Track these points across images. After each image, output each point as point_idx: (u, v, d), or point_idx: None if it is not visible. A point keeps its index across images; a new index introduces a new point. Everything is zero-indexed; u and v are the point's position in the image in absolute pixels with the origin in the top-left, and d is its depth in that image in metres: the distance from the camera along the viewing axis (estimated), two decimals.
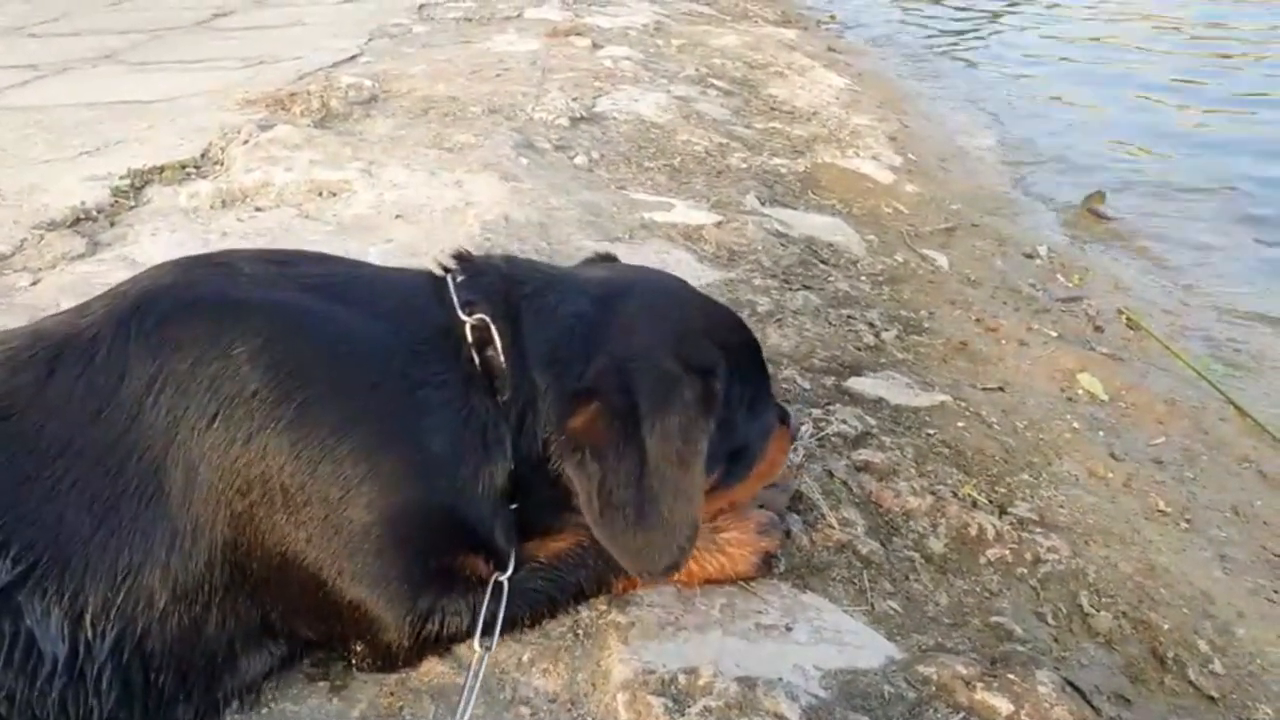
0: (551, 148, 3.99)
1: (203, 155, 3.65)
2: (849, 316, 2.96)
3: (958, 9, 8.24)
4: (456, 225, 3.11)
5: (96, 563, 1.27)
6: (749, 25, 7.03)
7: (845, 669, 1.65)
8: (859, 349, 2.79)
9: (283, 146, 3.59)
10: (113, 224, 3.11)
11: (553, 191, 3.44)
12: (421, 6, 7.30)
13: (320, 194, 3.33)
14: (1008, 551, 2.04)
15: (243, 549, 1.38)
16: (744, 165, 4.13)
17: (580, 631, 1.65)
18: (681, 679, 1.54)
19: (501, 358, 1.54)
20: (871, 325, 2.95)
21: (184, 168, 3.52)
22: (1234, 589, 2.12)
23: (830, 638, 1.73)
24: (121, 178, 3.36)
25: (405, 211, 3.21)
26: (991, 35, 7.40)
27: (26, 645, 1.24)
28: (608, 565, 1.67)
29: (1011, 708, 1.59)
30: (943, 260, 3.58)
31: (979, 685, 1.62)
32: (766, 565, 1.82)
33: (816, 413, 2.35)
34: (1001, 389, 2.76)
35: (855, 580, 1.89)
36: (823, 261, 3.33)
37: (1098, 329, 3.24)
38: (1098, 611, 1.95)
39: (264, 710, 1.53)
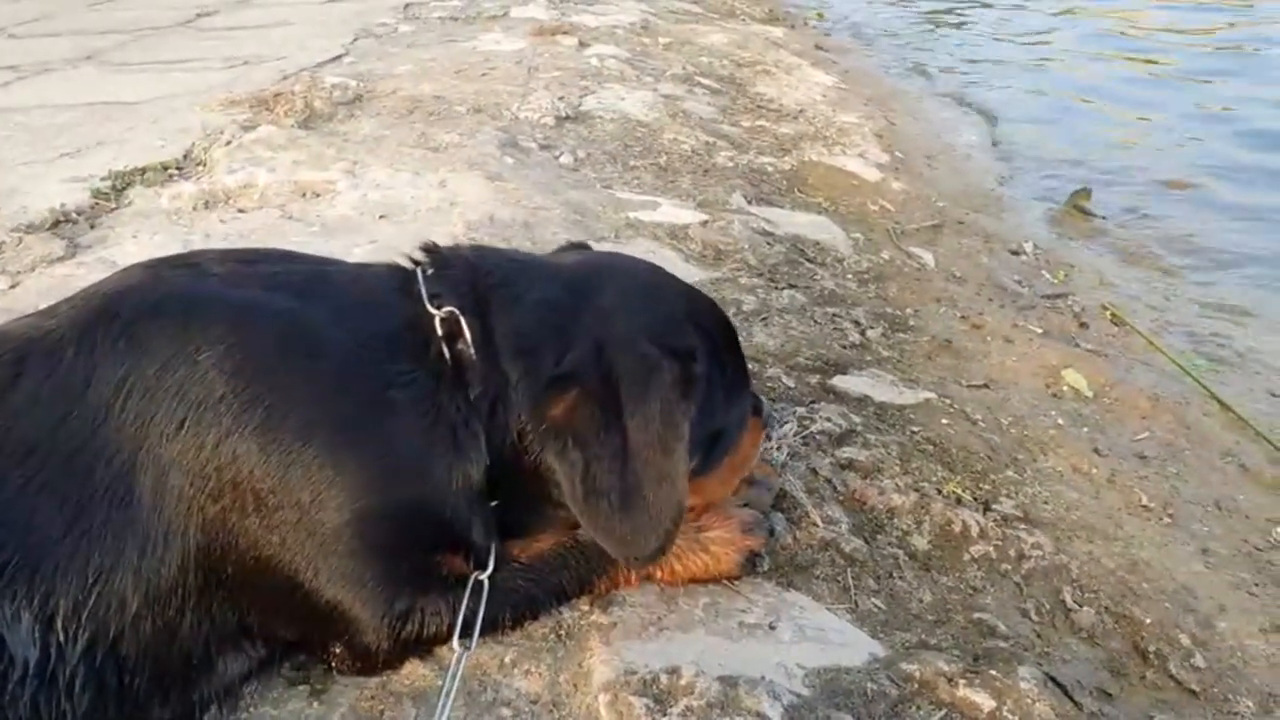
0: (537, 147, 3.99)
1: (185, 156, 3.64)
2: (834, 315, 2.96)
3: (948, 7, 8.26)
4: (441, 225, 3.10)
5: (66, 566, 1.26)
6: (736, 23, 7.03)
7: (828, 667, 1.65)
8: (844, 347, 2.79)
9: (266, 147, 3.57)
10: (93, 226, 3.09)
11: (538, 191, 3.43)
12: (407, 5, 7.28)
13: (304, 195, 3.32)
14: (991, 548, 2.04)
15: (216, 553, 1.37)
16: (730, 164, 4.13)
17: (562, 632, 1.65)
18: (663, 679, 1.53)
19: (471, 350, 1.53)
20: (857, 323, 2.95)
21: (166, 169, 3.50)
22: (1216, 583, 2.13)
23: (814, 636, 1.73)
24: (102, 179, 3.34)
25: (389, 212, 3.20)
26: (982, 33, 7.41)
27: None
28: (590, 566, 1.67)
29: (993, 704, 1.59)
30: (928, 258, 3.58)
31: (961, 682, 1.62)
32: (750, 564, 1.82)
33: (801, 411, 2.35)
34: (986, 386, 2.76)
35: (839, 578, 1.89)
36: (809, 260, 3.33)
37: (1082, 325, 3.25)
38: (1080, 607, 1.96)
39: (243, 715, 1.52)
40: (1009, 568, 2.01)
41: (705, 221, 3.42)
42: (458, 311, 1.53)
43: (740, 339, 1.87)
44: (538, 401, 1.52)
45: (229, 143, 3.62)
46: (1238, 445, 2.70)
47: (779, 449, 2.21)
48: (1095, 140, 5.19)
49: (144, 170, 3.45)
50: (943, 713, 1.59)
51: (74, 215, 3.13)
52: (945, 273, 3.48)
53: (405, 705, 1.53)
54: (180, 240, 2.97)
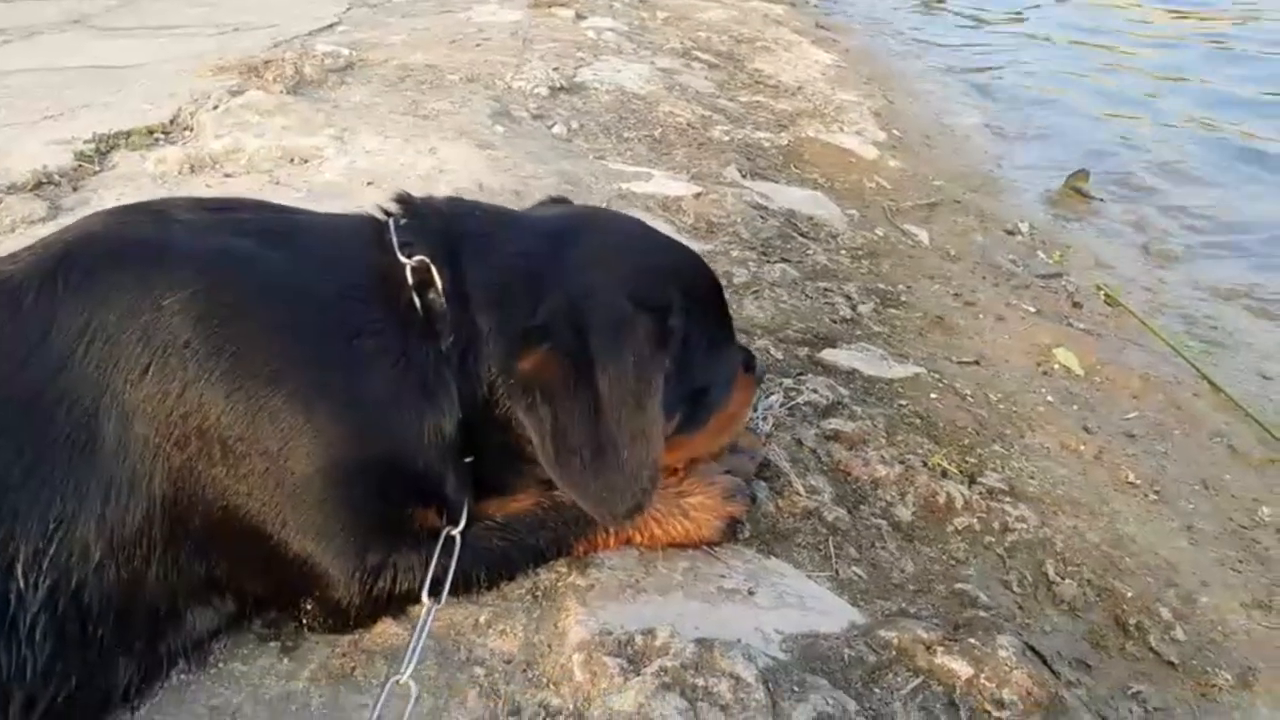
0: (529, 116, 3.95)
1: (172, 121, 3.59)
2: (826, 289, 2.94)
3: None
4: (429, 191, 3.06)
5: (27, 512, 1.24)
6: (736, 0, 6.97)
7: (806, 633, 1.63)
8: (835, 321, 2.77)
9: (254, 113, 3.53)
10: (75, 189, 3.05)
11: (529, 160, 3.40)
12: None
13: (291, 160, 3.28)
14: (976, 520, 2.02)
15: (183, 503, 1.35)
16: (726, 138, 4.09)
17: (539, 593, 1.63)
18: (638, 640, 1.52)
19: (442, 300, 1.50)
20: (849, 298, 2.93)
21: (152, 133, 3.46)
22: (1199, 559, 2.12)
23: (793, 602, 1.71)
24: (86, 142, 3.30)
25: (377, 178, 3.17)
26: (985, 17, 7.36)
27: None
28: (568, 527, 1.65)
29: (971, 671, 1.58)
30: (923, 235, 3.56)
31: (939, 649, 1.60)
32: (731, 531, 1.80)
33: (788, 382, 2.33)
34: (977, 363, 2.74)
35: (820, 546, 1.87)
36: (802, 235, 3.30)
37: (1076, 305, 3.23)
38: (1063, 580, 1.95)
39: (212, 670, 1.50)
40: (992, 540, 2.00)
41: (699, 194, 3.39)
42: (429, 261, 1.50)
43: (730, 308, 1.84)
44: (509, 355, 1.49)
45: (216, 108, 3.58)
46: (1227, 426, 2.69)
47: (765, 419, 2.19)
48: (1096, 124, 5.15)
49: (129, 134, 3.41)
50: (919, 679, 1.57)
51: (56, 177, 3.09)
52: (940, 250, 3.45)
53: (377, 662, 1.52)
54: None
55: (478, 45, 5.03)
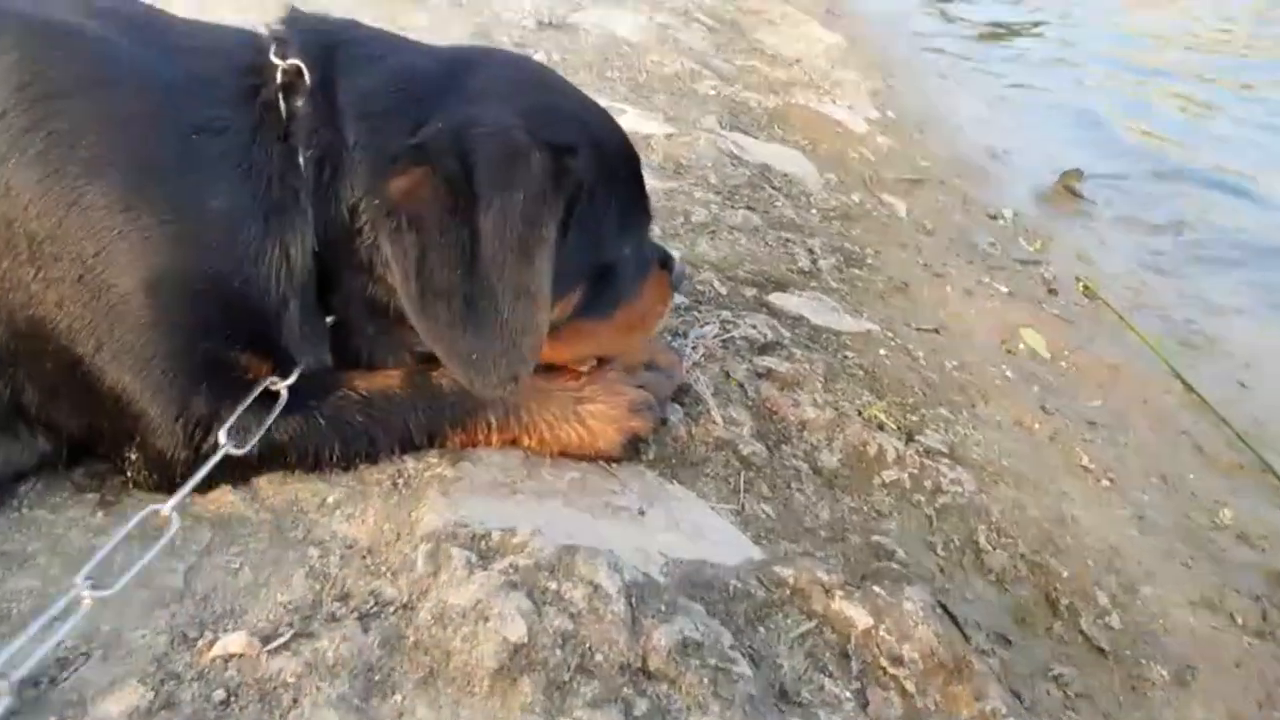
0: (510, 44, 3.76)
1: None
2: (787, 239, 2.76)
3: (976, 9, 8.03)
4: None
5: None
6: None
7: (693, 560, 1.46)
8: (791, 270, 2.59)
9: None
10: None
11: None
12: None
13: None
14: (906, 476, 1.85)
15: None
16: (712, 92, 3.91)
17: (400, 480, 1.45)
18: (495, 536, 1.34)
19: (309, 104, 1.31)
20: (810, 252, 2.75)
21: None
22: (1147, 549, 1.95)
23: (687, 530, 1.54)
24: None
25: None
26: (1004, 27, 7.21)
27: None
28: (442, 413, 1.47)
29: (870, 621, 1.41)
30: (901, 207, 3.38)
31: (838, 594, 1.43)
32: (633, 448, 1.62)
33: (726, 315, 2.15)
34: (936, 331, 2.57)
35: (730, 480, 1.70)
36: (773, 188, 3.12)
37: (1051, 292, 3.06)
38: (994, 549, 1.78)
39: (13, 514, 1.33)
40: (922, 499, 1.82)
41: (670, 135, 3.21)
42: (302, 65, 1.32)
43: (646, 187, 1.64)
44: (376, 173, 1.29)
45: None
46: (1196, 426, 2.53)
47: (694, 347, 2.01)
48: (1099, 130, 4.99)
49: None
50: (812, 624, 1.40)
51: None
52: (916, 224, 3.28)
53: (202, 530, 1.34)
54: None
55: None
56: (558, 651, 1.17)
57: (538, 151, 1.30)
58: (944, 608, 1.49)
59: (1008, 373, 2.47)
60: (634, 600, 1.27)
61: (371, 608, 1.24)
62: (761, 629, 1.38)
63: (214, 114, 1.27)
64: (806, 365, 2.06)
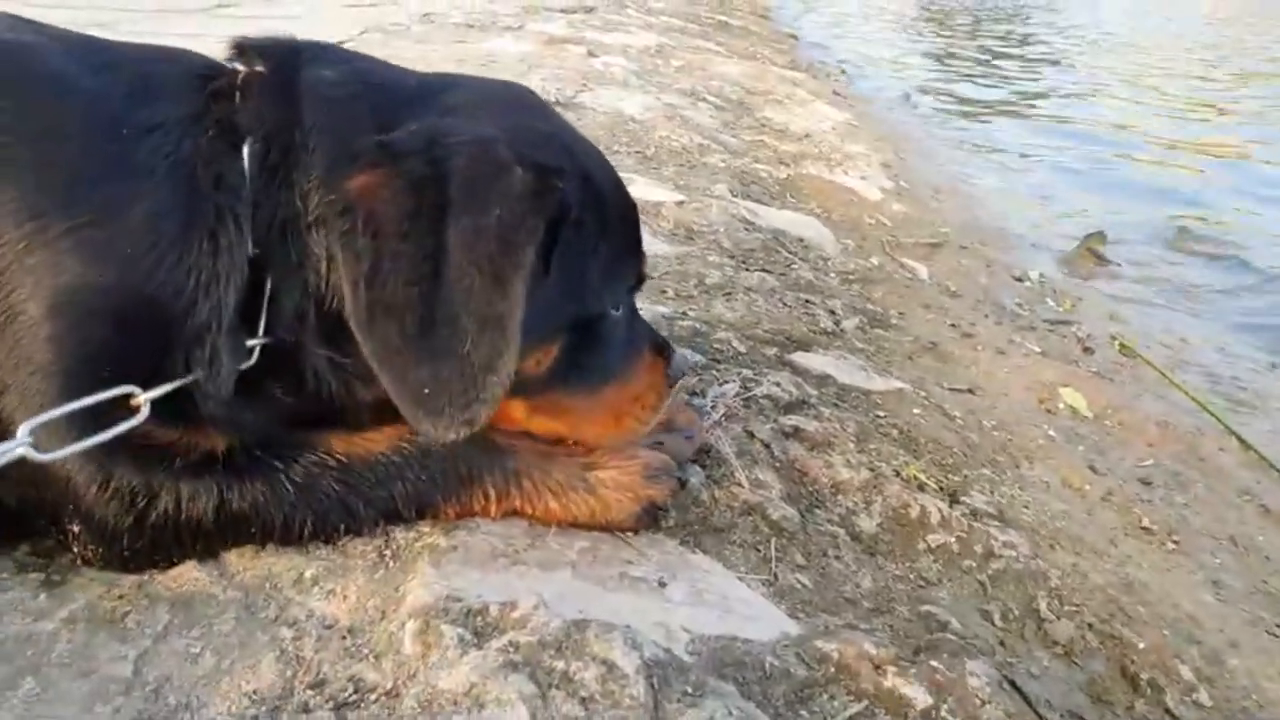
0: None
1: None
2: (807, 301, 2.63)
3: (985, 79, 8.11)
4: None
5: None
6: (755, 63, 6.85)
7: (723, 635, 1.27)
8: (813, 330, 2.45)
9: None
10: None
11: None
12: (426, 15, 7.15)
13: None
14: (954, 540, 1.67)
15: None
16: (722, 164, 3.84)
17: (388, 552, 1.29)
18: (493, 610, 1.17)
19: (262, 94, 1.18)
20: (832, 313, 2.61)
21: None
22: (1228, 617, 1.75)
23: (714, 602, 1.36)
24: None
25: None
26: (1009, 110, 7.23)
27: None
28: (434, 482, 1.30)
29: (929, 700, 1.21)
30: (922, 270, 3.26)
31: (890, 670, 1.24)
32: (650, 517, 1.45)
33: (747, 373, 2.00)
34: (970, 391, 2.41)
35: (760, 548, 1.52)
36: (789, 251, 3.01)
37: (1087, 350, 2.91)
38: (1057, 619, 1.58)
39: None
40: (973, 565, 1.64)
41: (681, 202, 3.12)
42: (262, 65, 1.21)
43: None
44: (335, 169, 1.13)
45: None
46: (1258, 485, 2.33)
47: (714, 406, 1.85)
48: (1118, 192, 4.90)
49: None
50: (862, 705, 1.21)
51: None
52: (939, 286, 3.15)
53: (159, 610, 1.18)
54: None
55: (482, 66, 4.86)
56: None
57: (521, 169, 1.15)
58: (1012, 683, 1.30)
59: (1050, 432, 2.30)
60: (655, 681, 1.09)
61: (350, 695, 1.06)
62: (804, 712, 1.19)
63: (148, 113, 1.14)
64: (836, 424, 1.90)
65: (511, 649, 1.07)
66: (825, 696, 1.21)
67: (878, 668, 1.25)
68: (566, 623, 1.14)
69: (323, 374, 1.22)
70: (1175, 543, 1.95)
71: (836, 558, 1.56)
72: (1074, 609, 1.62)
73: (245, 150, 1.15)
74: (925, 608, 1.49)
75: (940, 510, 1.71)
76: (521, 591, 1.21)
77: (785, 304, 2.57)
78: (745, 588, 1.43)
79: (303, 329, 1.19)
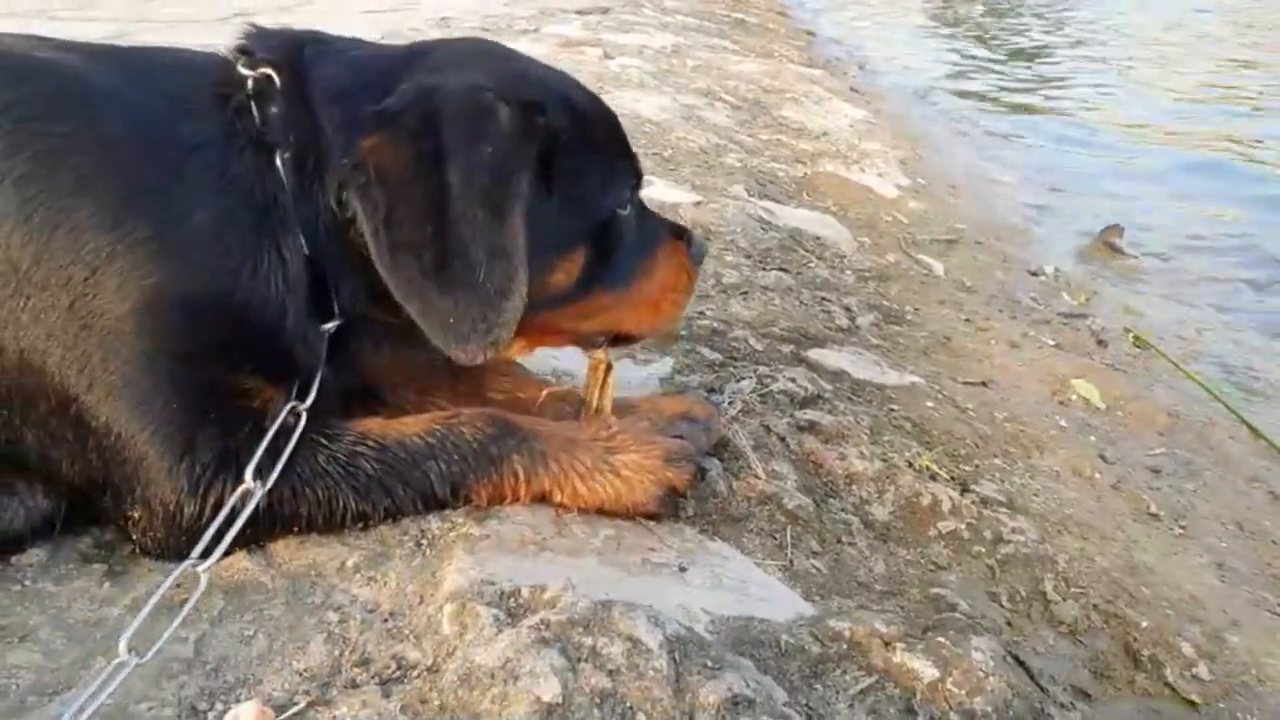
0: None
1: None
2: (823, 298, 2.70)
3: (1001, 73, 8.12)
4: None
5: None
6: (772, 61, 6.90)
7: (740, 616, 1.35)
8: (828, 328, 2.52)
9: None
10: None
11: None
12: (443, 19, 7.24)
13: None
14: (964, 526, 1.74)
15: None
16: (739, 164, 3.91)
17: (424, 541, 1.37)
18: (525, 593, 1.25)
19: (280, 105, 1.30)
20: (847, 310, 2.68)
21: None
22: (1231, 598, 1.80)
23: (732, 586, 1.44)
24: None
25: None
26: (1025, 104, 7.25)
27: None
28: (467, 462, 1.38)
29: (936, 674, 1.28)
30: (938, 267, 3.31)
31: (899, 646, 1.32)
32: (670, 502, 1.52)
33: (763, 369, 2.07)
34: (984, 384, 2.47)
35: (776, 535, 1.60)
36: (805, 250, 3.08)
37: (1101, 343, 2.95)
38: (1063, 600, 1.65)
39: (15, 587, 1.26)
40: (982, 550, 1.71)
41: (698, 202, 3.19)
42: (272, 71, 1.32)
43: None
44: (350, 145, 1.27)
45: None
46: (1268, 472, 2.38)
47: (731, 402, 1.93)
48: (1133, 188, 4.92)
49: None
50: (873, 679, 1.28)
51: None
52: (954, 282, 3.20)
53: (214, 596, 1.26)
54: None
55: None
56: (595, 711, 1.07)
57: (504, 107, 1.29)
58: (1015, 658, 1.37)
59: (1062, 423, 2.36)
60: (677, 656, 1.17)
61: (394, 672, 1.15)
62: (818, 686, 1.26)
63: (190, 130, 1.26)
64: (850, 418, 1.97)
65: (543, 626, 1.15)
66: (838, 671, 1.29)
67: (887, 644, 1.33)
68: (594, 603, 1.22)
69: (380, 340, 1.38)
70: (1182, 528, 2.01)
71: (850, 544, 1.64)
72: (1080, 591, 1.68)
73: (279, 161, 1.28)
74: (935, 590, 1.56)
75: (951, 498, 1.78)
76: (551, 576, 1.29)
77: (801, 302, 2.64)
78: (762, 573, 1.51)
79: (362, 303, 1.34)
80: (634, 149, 1.60)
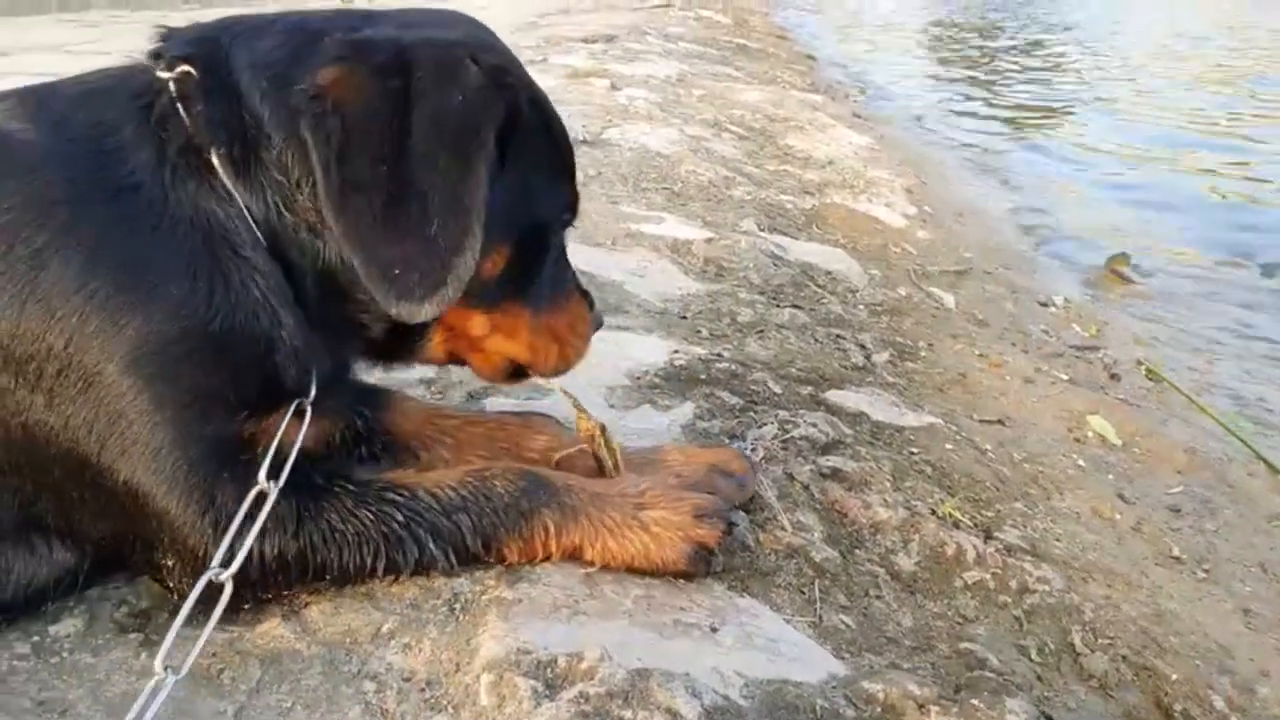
0: None
1: None
2: (838, 336, 2.70)
3: (1000, 103, 8.17)
4: None
5: None
6: (775, 88, 6.95)
7: (774, 679, 1.35)
8: (845, 367, 2.53)
9: None
10: None
11: None
12: None
13: None
14: (989, 576, 1.73)
15: None
16: (748, 197, 3.93)
17: (457, 606, 1.37)
18: (562, 662, 1.25)
19: (203, 98, 1.22)
20: (863, 347, 2.69)
21: None
22: (1259, 645, 1.80)
23: (763, 645, 1.43)
24: None
25: None
26: (1028, 129, 7.28)
27: None
28: (498, 515, 1.37)
29: None
30: (949, 299, 3.33)
31: (934, 709, 1.31)
32: (701, 560, 1.50)
33: (784, 414, 2.08)
34: (1001, 422, 2.48)
35: (804, 589, 1.59)
36: (817, 285, 3.09)
37: (1113, 377, 2.96)
38: (1092, 652, 1.64)
39: (53, 659, 1.26)
40: (1008, 600, 1.71)
41: (710, 239, 3.20)
42: (188, 66, 1.24)
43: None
44: (288, 101, 1.18)
45: None
46: None
47: (754, 449, 1.93)
48: (1140, 211, 4.94)
49: None
50: None
51: None
52: (966, 315, 3.21)
53: (251, 666, 1.26)
54: None
55: None
56: None
57: (474, 65, 1.23)
58: (1049, 719, 1.36)
59: (1080, 462, 2.36)
60: None
61: None
62: None
63: (121, 169, 1.20)
64: (873, 464, 1.97)
65: (582, 700, 1.16)
66: None
67: (921, 707, 1.33)
68: (630, 672, 1.22)
69: (370, 317, 1.33)
70: (1205, 571, 2.01)
71: (878, 597, 1.64)
72: (1108, 641, 1.68)
73: (216, 164, 1.22)
74: (964, 645, 1.56)
75: (975, 547, 1.78)
76: (586, 642, 1.29)
77: (817, 340, 2.65)
78: (792, 630, 1.50)
79: (330, 304, 1.29)
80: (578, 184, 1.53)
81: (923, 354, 2.77)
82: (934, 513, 1.86)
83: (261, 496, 1.20)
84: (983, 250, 4.10)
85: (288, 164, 1.21)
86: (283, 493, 1.20)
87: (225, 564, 1.18)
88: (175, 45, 1.30)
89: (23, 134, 1.22)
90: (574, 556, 1.45)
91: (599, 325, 1.62)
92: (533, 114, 1.35)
